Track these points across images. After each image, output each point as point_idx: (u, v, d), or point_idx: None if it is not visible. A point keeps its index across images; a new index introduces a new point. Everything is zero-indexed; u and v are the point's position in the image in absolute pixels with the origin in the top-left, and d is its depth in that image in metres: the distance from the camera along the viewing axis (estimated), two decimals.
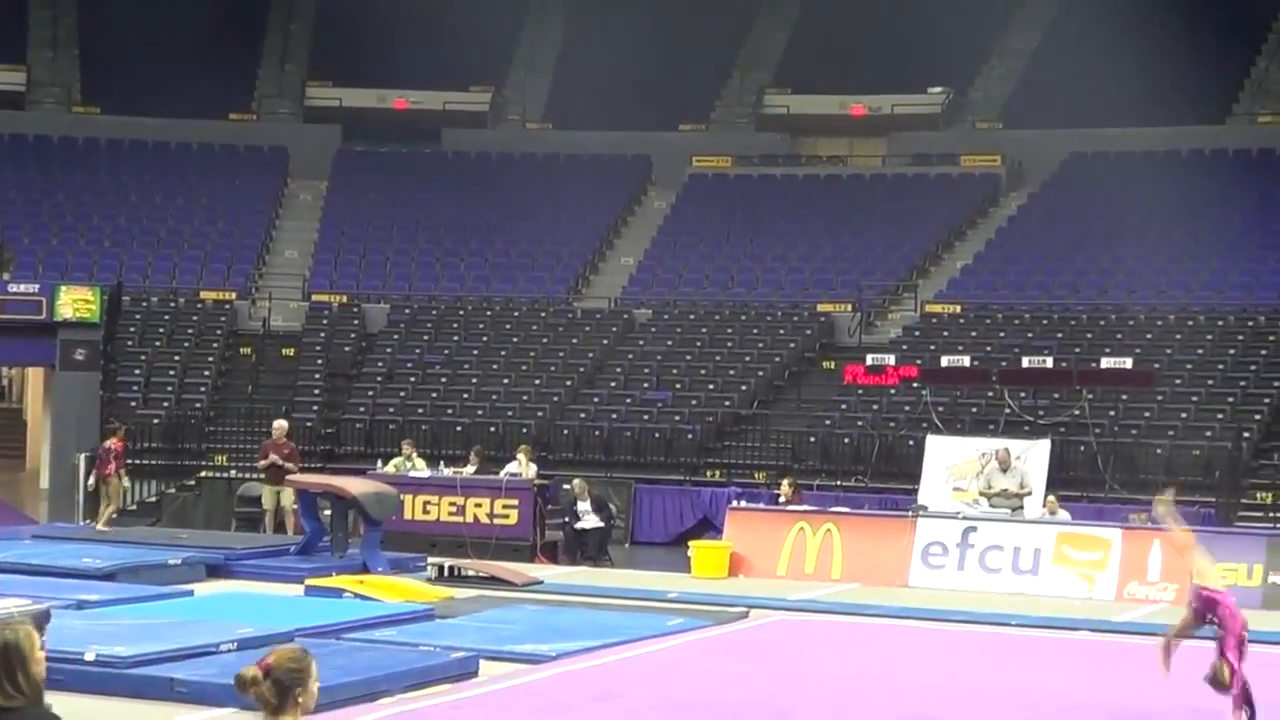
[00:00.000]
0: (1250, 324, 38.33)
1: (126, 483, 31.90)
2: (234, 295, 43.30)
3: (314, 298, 43.64)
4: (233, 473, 35.26)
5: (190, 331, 41.83)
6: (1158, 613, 23.83)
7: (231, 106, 50.76)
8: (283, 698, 6.20)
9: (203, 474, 35.81)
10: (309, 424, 37.16)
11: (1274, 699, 16.81)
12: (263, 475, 30.49)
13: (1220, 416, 34.52)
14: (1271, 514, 31.67)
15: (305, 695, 6.30)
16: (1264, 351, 37.13)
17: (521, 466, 30.61)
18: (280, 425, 30.81)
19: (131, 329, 41.22)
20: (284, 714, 6.21)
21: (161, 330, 41.67)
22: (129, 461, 31.79)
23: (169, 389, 39.37)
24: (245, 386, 40.36)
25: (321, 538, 26.25)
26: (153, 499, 35.81)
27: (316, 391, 39.62)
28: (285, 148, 50.12)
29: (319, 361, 40.86)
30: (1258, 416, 34.68)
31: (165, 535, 28.39)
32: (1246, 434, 33.60)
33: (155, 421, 37.60)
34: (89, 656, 15.38)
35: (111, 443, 30.84)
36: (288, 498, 29.43)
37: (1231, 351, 37.35)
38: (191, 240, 46.22)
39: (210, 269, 44.75)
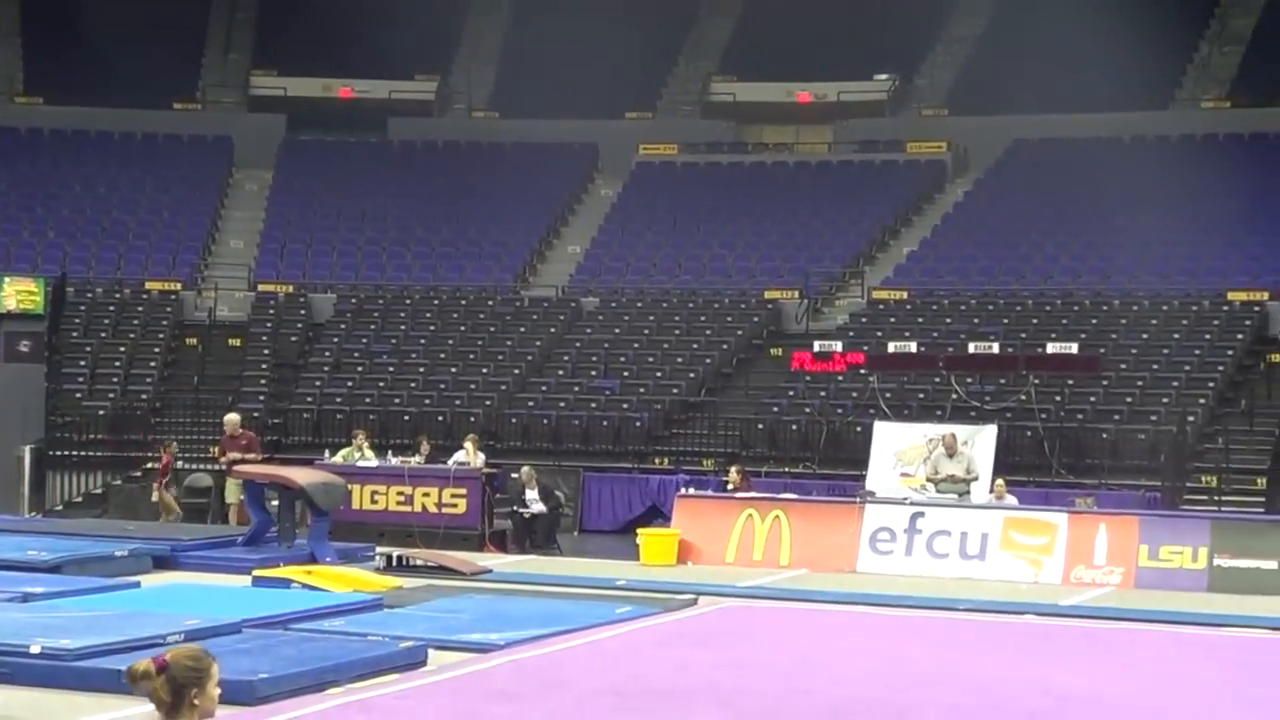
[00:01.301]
0: (1194, 309, 38.55)
1: (168, 496, 31.58)
2: (179, 286, 43.14)
3: (260, 288, 43.51)
4: (179, 464, 35.08)
5: (135, 322, 41.67)
6: (1104, 596, 23.96)
7: (176, 96, 50.55)
8: (177, 697, 6.03)
9: (149, 465, 35.63)
10: (256, 414, 37.02)
11: (1238, 686, 16.93)
12: (226, 471, 30.27)
13: (1165, 401, 34.72)
14: (1216, 497, 31.86)
15: (202, 698, 6.11)
16: (1208, 336, 37.35)
17: (469, 455, 30.58)
18: (232, 419, 30.64)
19: (76, 320, 41.06)
20: (179, 715, 6.06)
21: (107, 321, 41.50)
22: (72, 454, 31.69)
23: (114, 380, 39.21)
24: (191, 377, 40.23)
25: (269, 528, 26.16)
26: (99, 490, 35.66)
27: (263, 382, 39.52)
28: (230, 137, 49.94)
29: (265, 352, 40.77)
30: (1202, 400, 34.88)
31: (111, 527, 28.25)
32: (1191, 418, 33.79)
33: (101, 413, 37.48)
34: (34, 649, 15.28)
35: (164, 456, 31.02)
36: (237, 492, 29.33)
37: (1176, 336, 37.56)
38: (136, 231, 46.01)
39: (155, 259, 44.55)
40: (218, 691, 6.17)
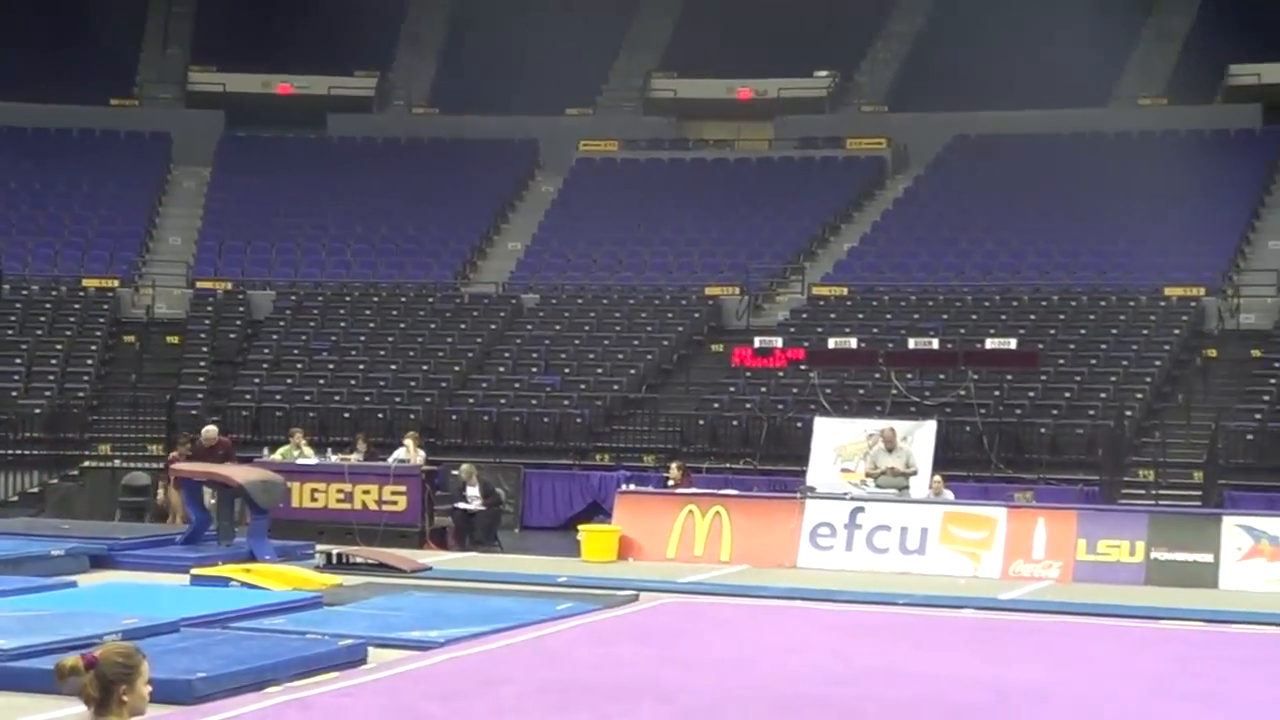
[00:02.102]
0: (1132, 304, 38.75)
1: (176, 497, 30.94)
2: (117, 283, 42.90)
3: (198, 285, 43.31)
4: (117, 462, 34.96)
5: (72, 320, 41.41)
6: (1042, 590, 24.07)
7: (112, 92, 50.26)
8: (105, 694, 5.98)
9: (86, 464, 35.48)
10: (194, 412, 36.90)
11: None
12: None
13: (1103, 396, 34.89)
14: (1153, 491, 32.02)
15: (132, 695, 6.06)
16: (1145, 331, 37.56)
17: (409, 453, 30.52)
18: (209, 431, 30.24)
19: (12, 317, 40.81)
20: (107, 712, 6.01)
21: (43, 319, 41.24)
22: (8, 453, 31.41)
23: (51, 378, 38.95)
24: (129, 375, 40.02)
25: (207, 527, 26.07)
26: (35, 489, 35.45)
27: (201, 379, 39.35)
28: (168, 133, 49.69)
29: (204, 349, 40.57)
30: (1139, 395, 35.06)
31: (48, 526, 28.08)
32: (1129, 412, 33.97)
33: (37, 411, 37.22)
34: None
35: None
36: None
37: (1114, 331, 37.75)
38: (73, 227, 45.74)
39: (92, 256, 44.29)
40: (148, 690, 6.13)
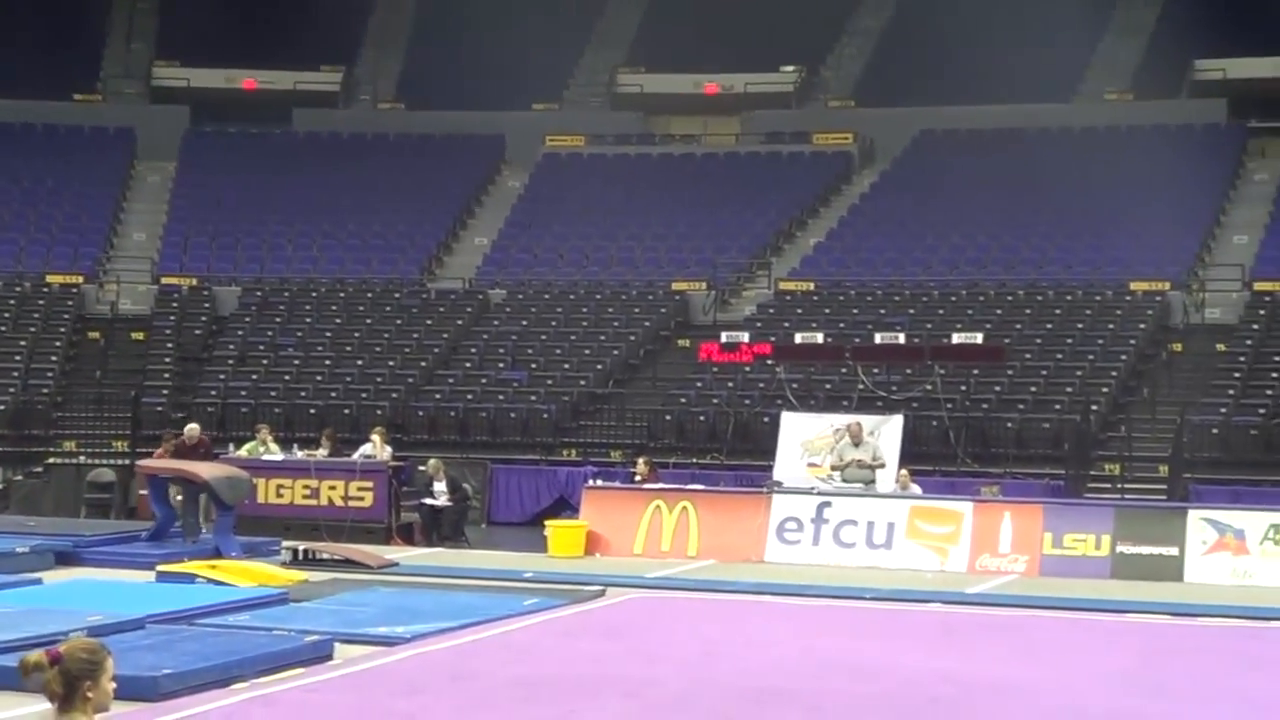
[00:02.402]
0: (1098, 299, 38.85)
1: None
2: (81, 279, 42.77)
3: (163, 280, 43.19)
4: (82, 459, 34.82)
5: (36, 316, 41.28)
6: (1009, 584, 24.11)
7: (76, 87, 50.11)
8: (70, 689, 5.96)
9: (51, 460, 35.33)
10: (159, 408, 36.83)
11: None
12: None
13: (1069, 390, 34.97)
14: (1119, 485, 32.11)
15: (97, 691, 6.04)
16: (1111, 326, 37.66)
17: (376, 448, 30.46)
18: (192, 429, 30.01)
19: None
20: (73, 709, 5.99)
21: (7, 315, 41.11)
22: None
23: (15, 374, 38.81)
24: (94, 371, 39.89)
25: (173, 523, 25.98)
26: None
27: (166, 376, 39.25)
28: (132, 129, 49.54)
29: (169, 345, 40.47)
30: (1105, 389, 35.15)
31: (12, 523, 27.91)
32: (1094, 407, 34.05)
33: (1, 408, 37.06)
34: None
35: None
36: None
37: (1079, 326, 37.85)
38: (37, 223, 45.58)
39: (56, 252, 44.14)
40: (112, 685, 6.11)
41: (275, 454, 30.93)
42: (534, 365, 38.72)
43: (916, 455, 31.11)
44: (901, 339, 34.89)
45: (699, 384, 36.98)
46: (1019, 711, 14.64)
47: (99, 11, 52.84)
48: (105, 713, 6.14)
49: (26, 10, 48.57)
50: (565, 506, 32.19)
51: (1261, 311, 37.59)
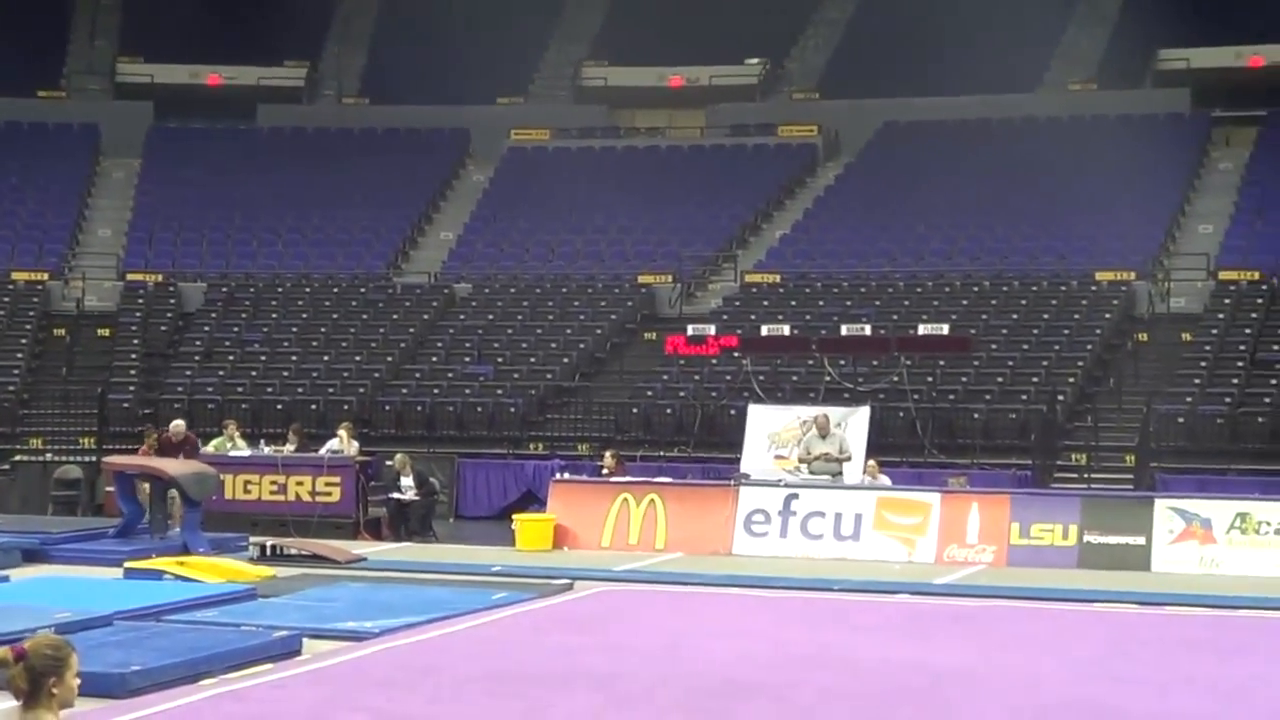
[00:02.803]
0: (1063, 289, 38.94)
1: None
2: (47, 276, 42.63)
3: (129, 277, 43.06)
4: (48, 456, 34.70)
5: (2, 313, 41.15)
6: (976, 574, 24.18)
7: (40, 84, 49.93)
8: (35, 686, 5.98)
9: (17, 458, 35.19)
10: (126, 405, 36.72)
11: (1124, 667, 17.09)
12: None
13: (1035, 380, 35.04)
14: (1086, 475, 32.19)
15: (61, 688, 6.06)
16: (1076, 316, 37.74)
17: (343, 443, 30.44)
18: (177, 426, 29.83)
19: None
20: (38, 705, 6.00)
21: None
22: None
23: None
24: (60, 368, 39.75)
25: (140, 520, 25.95)
26: None
27: (133, 372, 39.13)
28: (97, 125, 49.40)
29: (135, 342, 40.36)
30: (1071, 380, 35.22)
31: None
32: (1061, 397, 34.12)
33: None
34: None
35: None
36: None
37: (1045, 316, 37.93)
38: (1, 220, 45.41)
39: (21, 249, 43.98)
40: (77, 682, 6.12)
41: (242, 450, 30.89)
42: (500, 359, 38.69)
43: (883, 447, 31.13)
44: (868, 330, 34.92)
45: (665, 377, 36.99)
46: (986, 701, 14.69)
47: (63, 8, 52.68)
48: (70, 709, 6.15)
49: None
50: (533, 500, 32.18)
51: (1226, 300, 37.71)
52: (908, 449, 32.73)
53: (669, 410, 35.25)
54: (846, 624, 19.44)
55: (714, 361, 36.07)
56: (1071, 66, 48.24)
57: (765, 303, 39.54)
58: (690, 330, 34.89)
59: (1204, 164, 44.54)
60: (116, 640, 16.10)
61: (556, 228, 44.88)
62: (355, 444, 30.78)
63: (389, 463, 30.48)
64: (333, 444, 30.61)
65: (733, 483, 27.67)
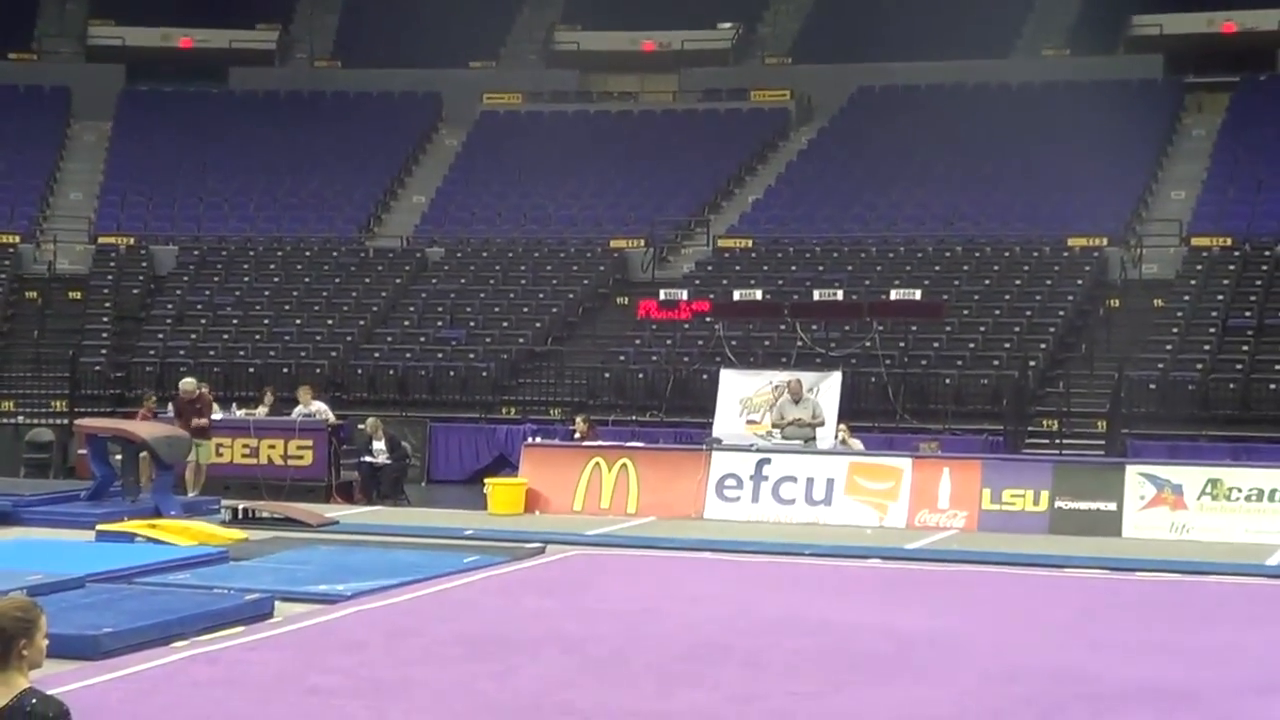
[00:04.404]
0: (1035, 255, 39.00)
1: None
2: (17, 238, 42.50)
3: (100, 240, 42.96)
4: (20, 419, 34.64)
5: None
6: (948, 539, 24.23)
7: (10, 46, 49.72)
8: (6, 649, 5.98)
9: None
10: (98, 368, 36.66)
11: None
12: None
13: (1007, 346, 35.11)
14: (1057, 440, 32.28)
15: (31, 649, 6.06)
16: (1049, 282, 37.82)
17: (304, 403, 30.43)
18: (187, 384, 29.58)
19: None
20: (8, 667, 6.00)
21: None
22: None
23: None
24: (31, 331, 39.70)
25: (112, 483, 25.90)
26: None
27: (105, 335, 39.04)
28: (68, 88, 49.21)
29: (107, 305, 40.26)
30: (1043, 345, 35.31)
31: None
32: (1032, 363, 34.21)
33: None
34: None
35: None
36: (205, 454, 28.59)
37: (1017, 282, 38.00)
38: None
39: None
40: (45, 643, 6.12)
41: (215, 413, 30.83)
42: (472, 323, 38.67)
43: (855, 412, 31.19)
44: (840, 296, 34.96)
45: (638, 341, 37.01)
46: (957, 666, 14.74)
47: None
48: (39, 669, 6.15)
49: None
50: (505, 464, 32.19)
51: (1199, 267, 37.80)
52: (880, 414, 32.79)
53: (641, 375, 35.27)
54: (818, 588, 19.49)
55: (686, 326, 36.10)
56: (1044, 32, 48.25)
57: (738, 267, 39.56)
58: (662, 295, 34.90)
59: (1176, 130, 44.60)
60: (88, 602, 16.09)
61: (529, 192, 44.83)
62: (316, 403, 30.69)
63: (361, 426, 30.45)
64: (301, 408, 30.60)
65: (705, 447, 27.68)
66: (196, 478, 28.34)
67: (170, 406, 29.95)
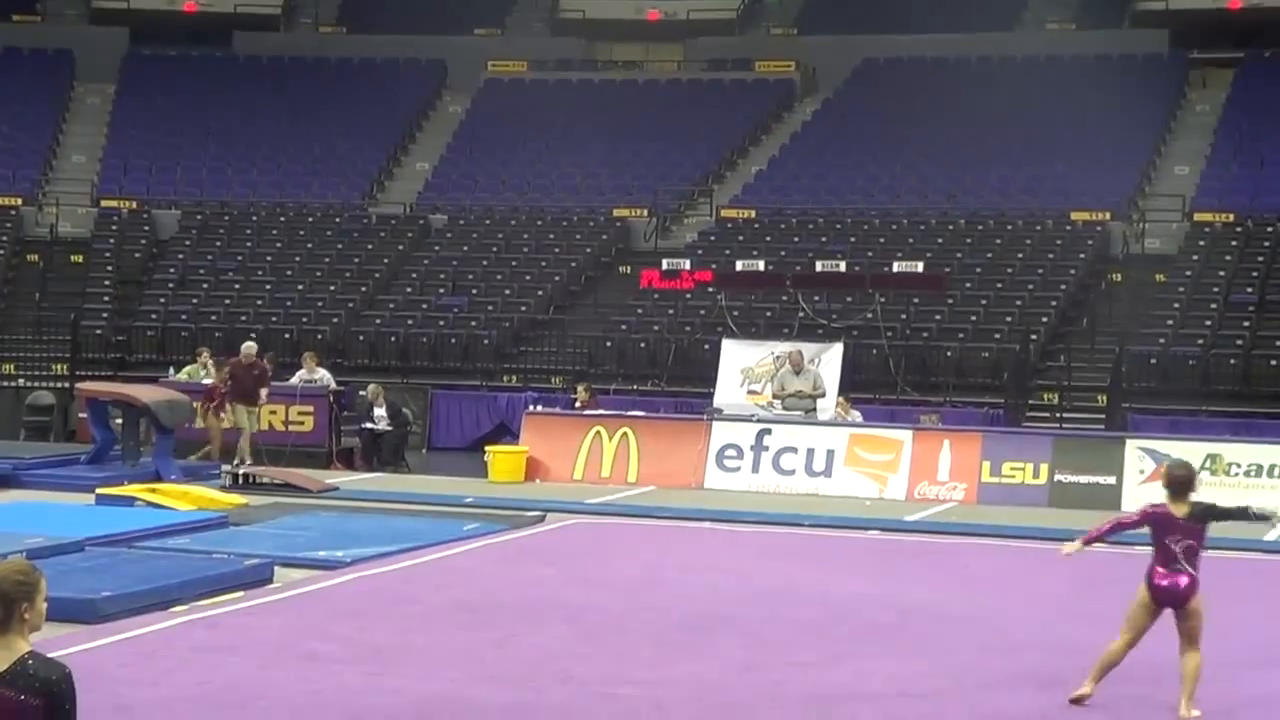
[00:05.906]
0: (1038, 228, 38.98)
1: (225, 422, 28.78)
2: (20, 201, 42.47)
3: (103, 203, 42.94)
4: (21, 382, 34.65)
5: None
6: (947, 511, 24.25)
7: (15, 7, 49.67)
8: (7, 612, 5.99)
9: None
10: (99, 331, 36.66)
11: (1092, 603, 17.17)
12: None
13: (1008, 319, 35.09)
14: (1058, 414, 32.29)
15: (32, 613, 6.06)
16: (1051, 255, 37.79)
17: (308, 370, 30.40)
18: (249, 348, 29.27)
19: None
20: (9, 630, 6.01)
21: None
22: None
23: None
24: (33, 294, 39.70)
25: (112, 446, 25.93)
26: None
27: (106, 299, 39.04)
28: (71, 50, 49.13)
29: (109, 268, 40.25)
30: (1044, 319, 35.29)
31: None
32: (1034, 336, 34.20)
33: None
34: None
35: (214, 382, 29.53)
36: (246, 420, 28.27)
37: (1020, 256, 37.97)
38: None
39: None
40: (45, 606, 6.14)
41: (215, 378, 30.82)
42: (475, 291, 38.65)
43: (856, 383, 31.18)
44: (842, 267, 34.94)
45: (640, 310, 36.98)
46: (955, 638, 14.76)
47: None
48: (38, 632, 6.17)
49: None
50: (506, 432, 32.19)
51: (1201, 242, 37.77)
52: (880, 386, 32.79)
53: (643, 344, 35.26)
54: (817, 559, 19.50)
55: (688, 296, 36.09)
56: (1050, 6, 48.17)
57: (740, 238, 39.52)
58: (665, 264, 34.90)
59: (1181, 105, 44.54)
60: (88, 566, 16.12)
61: (532, 160, 44.78)
62: (320, 370, 30.64)
63: (362, 393, 30.46)
64: (302, 374, 30.58)
65: (705, 417, 27.70)
66: (250, 445, 28.10)
67: (224, 369, 29.27)
